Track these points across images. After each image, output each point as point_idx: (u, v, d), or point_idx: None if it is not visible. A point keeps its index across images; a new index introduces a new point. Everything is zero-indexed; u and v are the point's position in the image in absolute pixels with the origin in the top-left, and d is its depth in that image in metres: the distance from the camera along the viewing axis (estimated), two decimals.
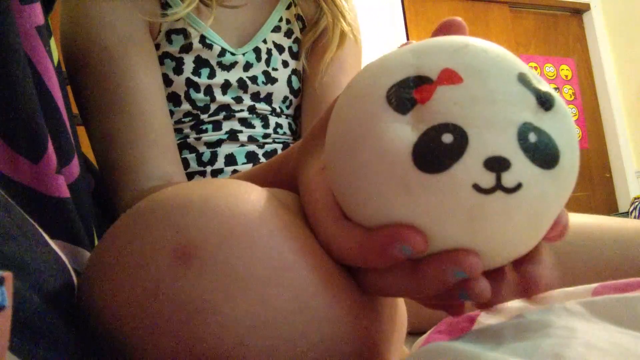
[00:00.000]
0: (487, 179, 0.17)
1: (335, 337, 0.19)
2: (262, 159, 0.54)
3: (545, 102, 0.19)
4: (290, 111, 0.58)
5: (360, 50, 0.62)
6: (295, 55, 0.59)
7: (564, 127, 0.19)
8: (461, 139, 0.17)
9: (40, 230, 0.22)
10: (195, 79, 0.52)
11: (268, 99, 0.56)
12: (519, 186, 0.18)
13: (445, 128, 0.18)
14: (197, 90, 0.52)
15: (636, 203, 2.04)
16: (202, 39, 0.52)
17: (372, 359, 0.21)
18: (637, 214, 1.98)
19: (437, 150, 0.17)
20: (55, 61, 0.31)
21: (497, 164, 0.17)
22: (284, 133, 0.57)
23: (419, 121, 0.18)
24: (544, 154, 0.18)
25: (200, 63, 0.52)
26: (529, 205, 0.18)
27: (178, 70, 0.51)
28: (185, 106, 0.52)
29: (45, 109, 0.27)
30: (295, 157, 0.26)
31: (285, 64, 0.57)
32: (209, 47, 0.52)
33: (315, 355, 0.19)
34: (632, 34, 2.77)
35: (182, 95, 0.52)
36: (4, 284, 0.12)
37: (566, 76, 2.84)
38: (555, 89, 2.81)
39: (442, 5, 2.53)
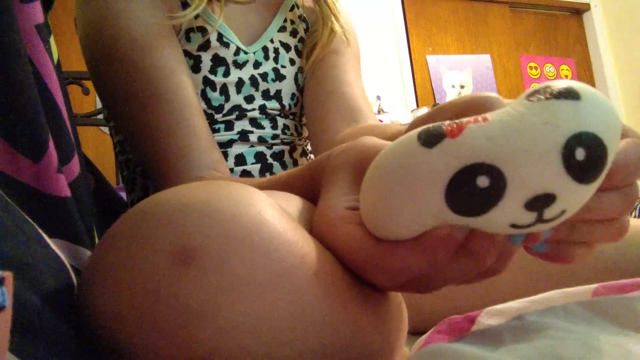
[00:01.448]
0: (527, 218, 0.16)
1: (335, 342, 0.19)
2: (270, 160, 0.55)
3: (573, 95, 0.17)
4: (296, 109, 0.59)
5: (358, 47, 0.64)
6: (300, 54, 0.60)
7: (604, 112, 0.17)
8: (498, 182, 0.16)
9: (40, 230, 0.22)
10: (212, 77, 0.52)
11: (277, 96, 0.57)
12: (562, 213, 0.17)
13: (479, 169, 0.16)
14: (214, 89, 0.53)
15: (636, 203, 2.05)
16: (220, 37, 0.53)
17: None
18: (637, 214, 1.98)
19: (472, 197, 0.16)
20: (55, 60, 0.31)
21: (540, 203, 0.16)
22: (291, 134, 0.58)
23: (449, 156, 0.17)
24: (593, 169, 0.16)
25: (217, 61, 0.53)
26: (565, 217, 0.17)
27: (196, 69, 0.52)
28: (202, 105, 0.53)
29: (46, 108, 0.27)
30: (325, 167, 0.26)
31: (292, 61, 0.59)
32: (226, 45, 0.53)
33: (315, 359, 0.18)
34: (632, 34, 2.76)
35: (199, 93, 0.52)
36: (4, 284, 0.12)
37: (566, 76, 2.84)
38: None
39: (442, 5, 2.53)
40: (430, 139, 0.17)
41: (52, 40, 0.31)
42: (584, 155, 0.16)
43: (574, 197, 0.16)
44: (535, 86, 0.18)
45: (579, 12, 2.94)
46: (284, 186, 0.30)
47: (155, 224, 0.19)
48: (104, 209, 0.45)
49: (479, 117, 0.17)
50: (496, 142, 0.16)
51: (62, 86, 0.31)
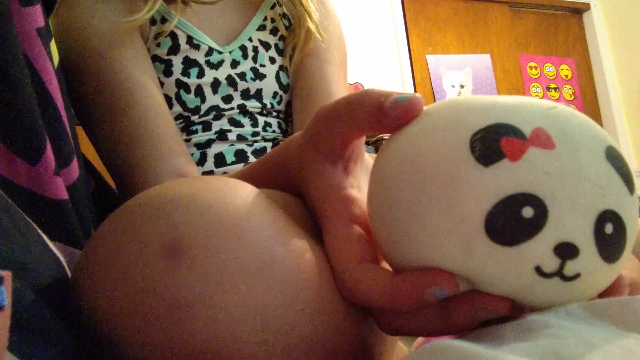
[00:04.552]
0: (551, 264, 0.16)
1: (326, 329, 0.19)
2: (251, 157, 0.54)
3: (630, 185, 0.18)
4: (281, 107, 0.59)
5: (344, 43, 0.63)
6: (281, 52, 0.60)
7: (636, 215, 0.18)
8: (541, 217, 0.16)
9: (40, 231, 0.22)
10: (185, 79, 0.52)
11: (258, 95, 0.56)
12: (577, 276, 0.17)
13: (528, 200, 0.16)
14: (188, 91, 0.52)
15: None
16: (189, 39, 0.53)
17: (364, 351, 0.21)
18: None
19: (514, 225, 0.16)
20: (56, 63, 0.31)
21: (566, 251, 0.16)
22: (274, 131, 0.57)
23: (502, 181, 0.16)
24: (613, 249, 0.17)
25: (188, 63, 0.52)
26: (576, 292, 0.18)
27: (167, 72, 0.52)
28: (177, 108, 0.52)
29: (45, 111, 0.27)
30: (295, 157, 0.25)
31: (272, 60, 0.58)
32: (196, 47, 0.53)
33: (307, 347, 0.19)
34: (632, 34, 2.76)
35: (173, 96, 0.52)
36: (3, 284, 0.12)
37: (566, 76, 2.84)
38: (555, 88, 2.81)
39: (442, 5, 2.53)
40: (487, 157, 0.16)
41: (52, 43, 0.31)
42: (610, 232, 0.17)
43: (589, 264, 0.17)
44: (612, 144, 0.18)
45: (578, 11, 2.94)
46: (252, 178, 0.29)
47: (143, 219, 0.19)
48: (103, 211, 0.45)
49: (545, 138, 0.17)
50: (552, 178, 0.16)
51: (62, 89, 0.31)
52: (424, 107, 0.20)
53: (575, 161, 0.17)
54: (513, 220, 0.16)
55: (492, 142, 0.17)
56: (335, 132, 0.22)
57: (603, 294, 0.20)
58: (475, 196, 0.16)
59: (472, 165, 0.16)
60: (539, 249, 0.16)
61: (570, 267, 0.17)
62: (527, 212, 0.16)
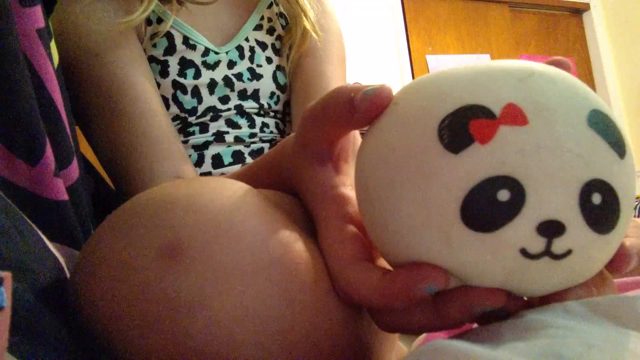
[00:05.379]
0: (537, 245, 0.16)
1: (324, 329, 0.19)
2: (248, 158, 0.54)
3: (619, 148, 0.17)
4: (278, 107, 0.58)
5: (342, 41, 0.63)
6: (278, 52, 0.60)
7: (630, 178, 0.17)
8: (518, 198, 0.15)
9: (39, 232, 0.22)
10: (182, 80, 0.52)
11: (255, 95, 0.56)
12: (568, 252, 0.16)
13: (503, 182, 0.15)
14: (184, 92, 0.52)
15: (636, 203, 2.05)
16: (186, 40, 0.53)
17: (363, 351, 0.21)
18: (637, 214, 1.98)
19: (490, 210, 0.15)
20: (56, 64, 0.31)
21: (550, 229, 0.16)
22: (271, 132, 0.57)
23: (473, 166, 0.15)
24: (604, 219, 0.16)
25: (185, 64, 0.52)
26: (572, 269, 0.17)
27: (164, 73, 0.52)
28: (174, 109, 0.52)
29: (45, 112, 0.27)
30: (289, 159, 0.25)
31: (269, 60, 0.58)
32: (193, 47, 0.53)
33: (305, 348, 0.19)
34: (632, 34, 2.76)
35: (170, 97, 0.52)
36: (3, 284, 0.12)
37: None
38: None
39: (442, 5, 2.53)
40: (456, 143, 0.16)
41: (52, 44, 0.31)
42: (599, 202, 0.16)
43: (580, 239, 0.16)
44: (599, 108, 0.17)
45: (578, 11, 2.94)
46: (250, 179, 0.30)
47: (140, 222, 0.19)
48: (103, 211, 0.45)
49: (516, 114, 0.16)
50: (526, 156, 0.15)
51: (63, 90, 0.31)
52: (395, 95, 0.19)
53: (551, 134, 0.16)
54: (489, 206, 0.15)
55: (460, 127, 0.16)
56: (318, 132, 0.22)
57: (609, 266, 0.19)
58: (447, 186, 0.16)
59: (442, 155, 0.16)
60: (520, 231, 0.16)
61: (559, 245, 0.16)
62: (503, 195, 0.15)
